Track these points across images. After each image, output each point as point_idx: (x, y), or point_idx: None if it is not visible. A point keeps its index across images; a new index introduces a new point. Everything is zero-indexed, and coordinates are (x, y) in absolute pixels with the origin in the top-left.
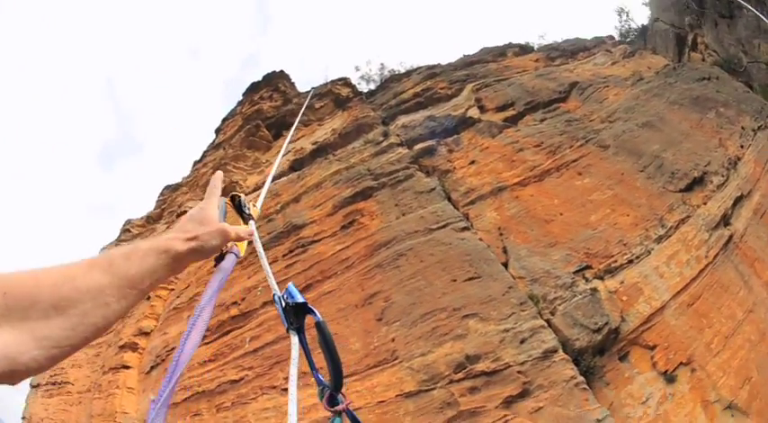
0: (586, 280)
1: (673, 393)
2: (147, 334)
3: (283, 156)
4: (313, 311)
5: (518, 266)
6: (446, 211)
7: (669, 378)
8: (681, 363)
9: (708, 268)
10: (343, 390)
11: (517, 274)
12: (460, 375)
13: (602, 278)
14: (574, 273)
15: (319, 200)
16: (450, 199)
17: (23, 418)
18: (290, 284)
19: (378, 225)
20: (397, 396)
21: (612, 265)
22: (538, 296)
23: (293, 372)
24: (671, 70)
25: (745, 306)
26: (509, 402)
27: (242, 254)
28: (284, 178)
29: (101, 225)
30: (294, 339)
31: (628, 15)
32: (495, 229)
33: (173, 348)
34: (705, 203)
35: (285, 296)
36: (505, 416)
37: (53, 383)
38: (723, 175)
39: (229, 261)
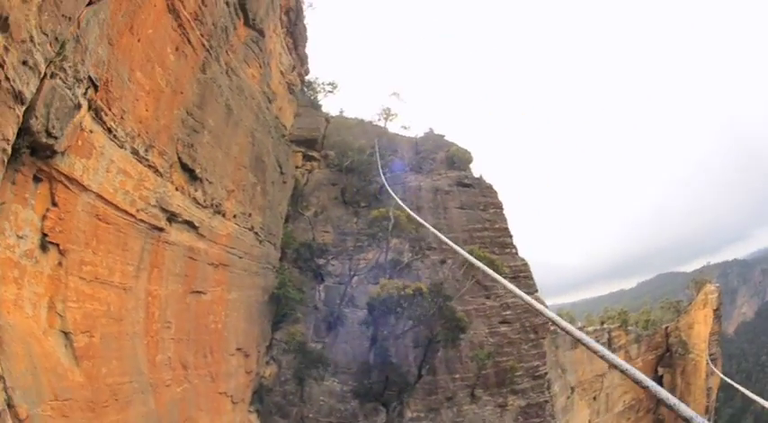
0: (85, 96)
1: (49, 262)
2: None
3: None
4: None
5: None
6: None
7: (45, 244)
8: (57, 247)
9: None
10: None
11: None
12: None
13: (89, 109)
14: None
15: None
16: None
17: None
18: None
19: None
20: None
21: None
22: (64, 51)
23: None
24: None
25: (126, 282)
26: None
27: None
28: None
29: None
30: None
31: None
32: None
33: None
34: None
35: None
36: None
37: None
38: None
39: None
